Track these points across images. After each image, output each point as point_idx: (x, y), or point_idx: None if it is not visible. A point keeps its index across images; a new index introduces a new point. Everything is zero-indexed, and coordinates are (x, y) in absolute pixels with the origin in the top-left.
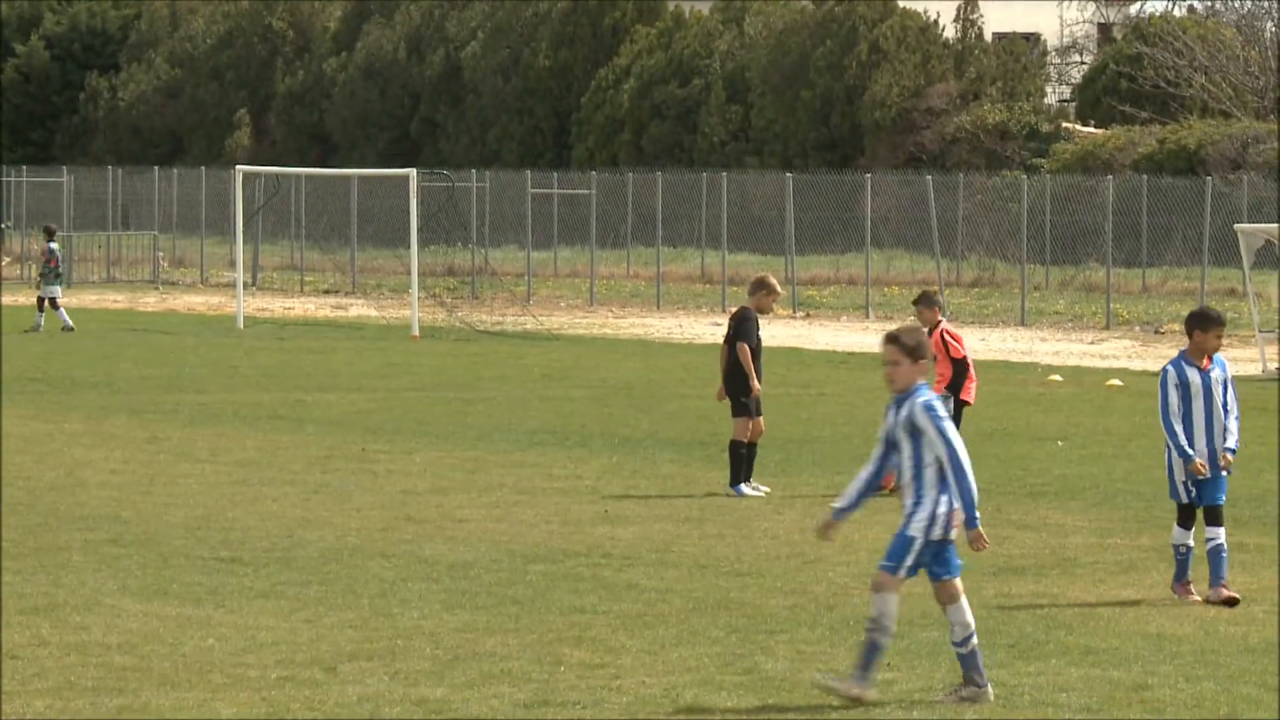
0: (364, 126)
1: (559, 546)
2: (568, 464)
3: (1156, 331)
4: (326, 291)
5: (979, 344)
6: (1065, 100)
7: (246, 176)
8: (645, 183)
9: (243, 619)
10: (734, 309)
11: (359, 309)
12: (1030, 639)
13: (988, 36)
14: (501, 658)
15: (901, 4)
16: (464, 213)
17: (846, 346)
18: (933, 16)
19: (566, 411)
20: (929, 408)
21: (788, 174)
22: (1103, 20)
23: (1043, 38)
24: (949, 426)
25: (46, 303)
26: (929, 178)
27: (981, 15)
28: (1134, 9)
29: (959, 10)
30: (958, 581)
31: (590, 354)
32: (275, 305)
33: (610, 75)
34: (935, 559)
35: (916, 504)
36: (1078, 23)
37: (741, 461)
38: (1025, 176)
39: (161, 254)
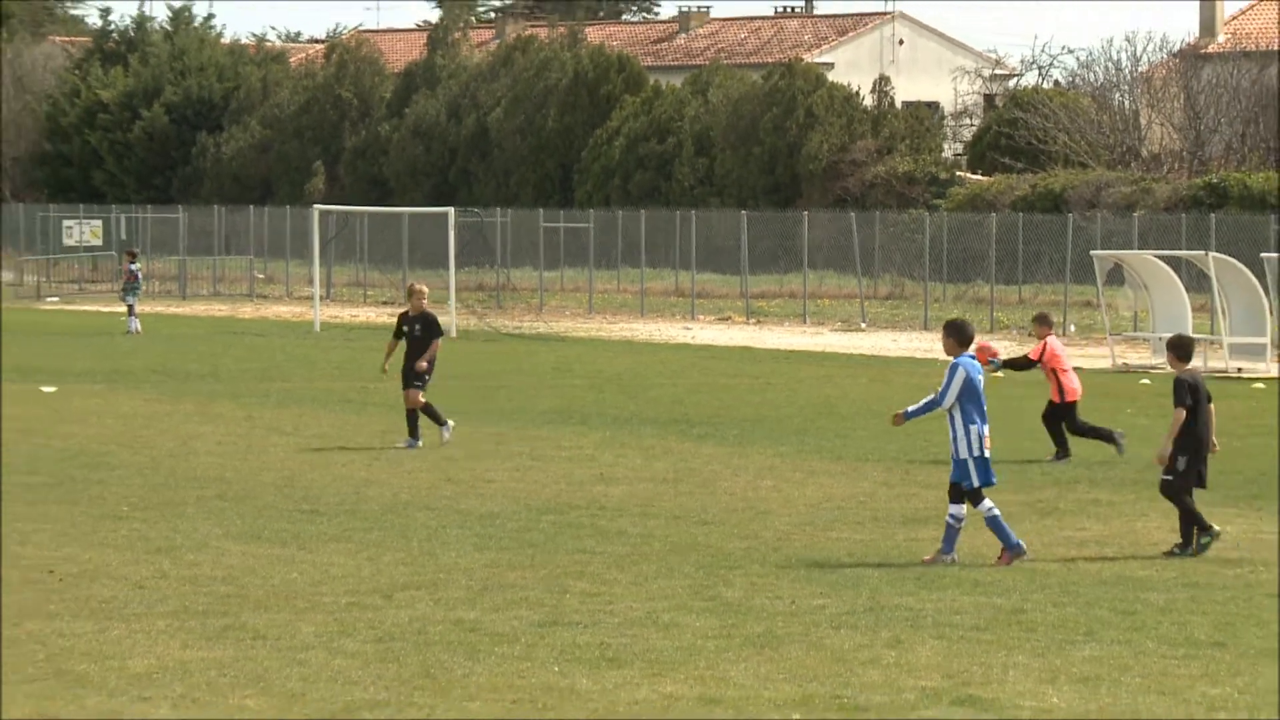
0: (413, 175)
1: (565, 501)
2: (571, 437)
3: (1029, 334)
4: (384, 303)
5: (890, 344)
6: (958, 154)
7: (322, 213)
8: (632, 218)
9: (319, 557)
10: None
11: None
12: (932, 573)
13: (898, 104)
14: (521, 588)
15: (830, 79)
16: (491, 241)
17: (789, 346)
18: (855, 88)
19: (570, 397)
20: None
21: (743, 211)
22: (987, 92)
23: (941, 105)
24: None
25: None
26: (852, 214)
27: (893, 87)
28: (1012, 82)
29: (875, 84)
30: None
31: (589, 352)
32: (344, 313)
33: (604, 134)
34: None
35: None
36: (968, 94)
37: (415, 419)
38: (927, 214)
39: (258, 273)
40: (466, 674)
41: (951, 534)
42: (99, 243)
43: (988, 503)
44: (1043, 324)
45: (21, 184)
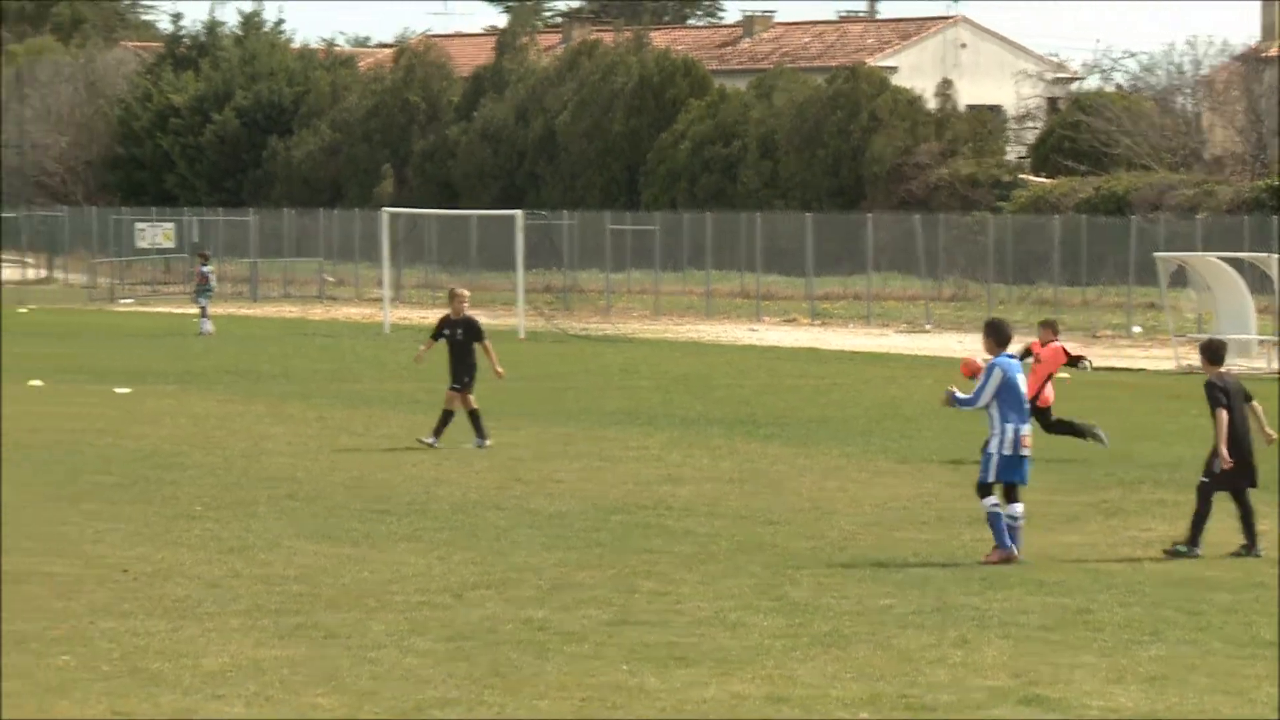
0: (481, 177)
1: (633, 501)
2: (639, 438)
3: (1093, 336)
4: None
5: (956, 346)
6: (1022, 157)
7: (391, 216)
8: (698, 221)
9: (390, 556)
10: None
11: (477, 318)
12: (997, 573)
13: (961, 107)
14: (589, 587)
15: (894, 82)
16: (558, 244)
17: (854, 347)
18: (919, 91)
19: (637, 397)
20: None
21: (807, 214)
22: (1050, 95)
23: (1004, 108)
24: None
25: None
26: (916, 217)
27: (956, 90)
28: (1074, 86)
29: (939, 87)
30: None
31: (655, 353)
32: (414, 315)
33: (670, 137)
34: None
35: None
36: (1031, 97)
37: (444, 421)
38: (991, 216)
39: (328, 276)
40: (536, 673)
41: (1013, 533)
42: (171, 245)
43: (992, 499)
44: (1049, 329)
45: (94, 187)
